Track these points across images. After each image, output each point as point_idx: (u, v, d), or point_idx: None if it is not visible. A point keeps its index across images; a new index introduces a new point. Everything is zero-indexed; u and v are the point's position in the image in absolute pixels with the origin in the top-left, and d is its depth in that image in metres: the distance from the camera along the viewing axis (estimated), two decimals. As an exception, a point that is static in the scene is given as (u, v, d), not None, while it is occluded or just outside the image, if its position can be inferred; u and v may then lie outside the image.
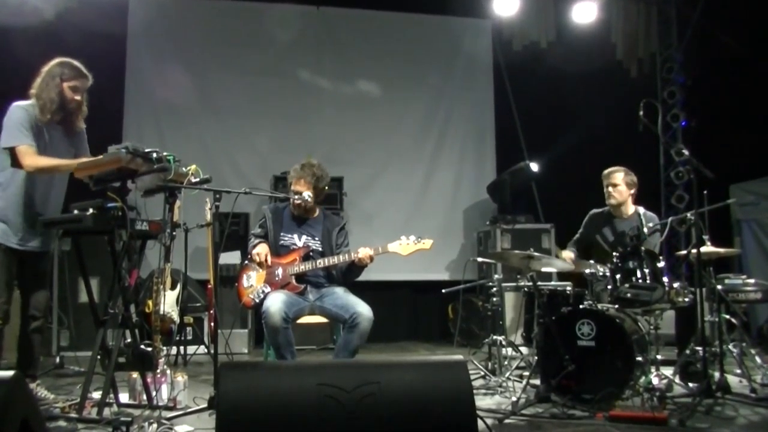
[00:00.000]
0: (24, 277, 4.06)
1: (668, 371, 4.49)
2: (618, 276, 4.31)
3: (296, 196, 4.48)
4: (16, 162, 3.87)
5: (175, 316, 5.59)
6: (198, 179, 3.81)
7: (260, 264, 4.39)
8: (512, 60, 8.62)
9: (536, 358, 4.45)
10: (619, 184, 5.09)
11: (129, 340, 3.93)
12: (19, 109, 3.91)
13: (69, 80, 3.96)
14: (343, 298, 4.32)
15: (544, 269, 5.00)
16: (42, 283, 4.13)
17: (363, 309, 4.14)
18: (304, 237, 4.54)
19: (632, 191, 5.13)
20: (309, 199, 4.46)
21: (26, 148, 3.83)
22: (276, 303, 4.05)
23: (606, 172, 5.18)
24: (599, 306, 4.41)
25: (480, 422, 2.61)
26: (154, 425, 3.22)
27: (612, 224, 5.14)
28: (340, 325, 4.27)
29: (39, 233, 3.97)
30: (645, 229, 4.62)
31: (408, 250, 4.34)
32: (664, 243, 5.17)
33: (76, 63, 4.02)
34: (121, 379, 4.04)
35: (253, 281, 4.43)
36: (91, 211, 3.54)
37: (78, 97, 4.01)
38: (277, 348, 4.06)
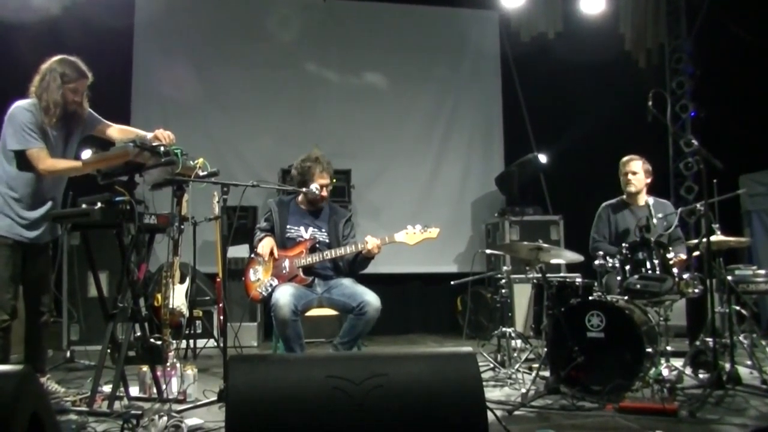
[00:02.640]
0: (28, 271, 4.04)
1: (678, 362, 4.47)
2: (627, 267, 4.29)
3: (325, 192, 4.52)
4: (24, 165, 3.83)
5: (185, 310, 5.61)
6: (205, 172, 3.81)
7: (265, 259, 4.40)
8: (520, 51, 8.58)
9: (545, 349, 4.44)
10: (638, 171, 5.11)
11: (138, 333, 3.93)
12: (23, 110, 3.84)
13: (70, 83, 3.89)
14: (350, 288, 4.32)
15: (552, 261, 4.99)
16: (45, 276, 4.13)
17: (371, 298, 4.15)
18: (310, 229, 4.54)
19: (648, 180, 5.14)
20: (317, 191, 4.46)
21: (38, 152, 3.80)
22: (285, 296, 4.05)
23: (624, 159, 5.19)
24: (608, 297, 4.40)
25: (489, 414, 2.60)
26: (164, 418, 3.22)
27: (632, 213, 5.12)
28: (348, 315, 4.27)
29: (47, 226, 3.97)
30: (654, 220, 4.60)
31: (415, 239, 4.33)
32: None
33: (77, 62, 3.94)
34: (131, 372, 4.06)
35: (260, 275, 4.43)
36: (99, 205, 3.54)
37: (78, 99, 3.95)
38: (286, 341, 4.06)
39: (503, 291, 5.42)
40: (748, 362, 4.62)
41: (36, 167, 3.82)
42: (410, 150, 8.35)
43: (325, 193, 4.55)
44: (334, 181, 4.71)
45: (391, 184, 8.22)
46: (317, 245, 4.47)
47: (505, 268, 5.61)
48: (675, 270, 4.22)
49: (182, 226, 4.35)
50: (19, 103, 3.88)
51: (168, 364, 4.10)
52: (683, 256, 4.67)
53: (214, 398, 3.86)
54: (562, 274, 6.62)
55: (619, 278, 4.34)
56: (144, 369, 4.09)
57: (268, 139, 7.93)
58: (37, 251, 4.04)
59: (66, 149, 4.04)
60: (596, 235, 5.21)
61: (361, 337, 4.27)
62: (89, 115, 4.16)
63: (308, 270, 4.40)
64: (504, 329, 5.14)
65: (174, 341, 4.68)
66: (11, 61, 6.40)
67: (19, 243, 3.90)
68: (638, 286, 4.25)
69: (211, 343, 6.33)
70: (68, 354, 5.57)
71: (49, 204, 3.98)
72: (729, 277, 4.65)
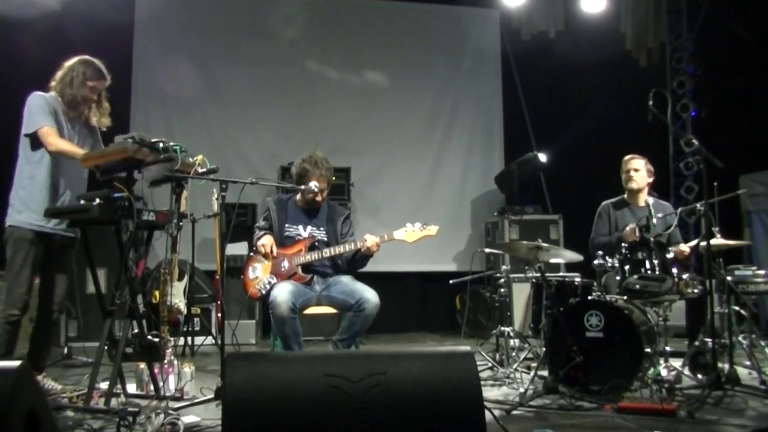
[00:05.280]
0: (48, 267, 4.07)
1: (677, 363, 4.47)
2: (627, 267, 4.28)
3: (318, 192, 4.47)
4: (38, 147, 3.91)
5: (183, 307, 5.60)
6: (205, 169, 3.79)
7: (265, 255, 4.39)
8: (520, 50, 8.58)
9: (544, 349, 4.44)
10: (640, 169, 5.12)
11: (136, 330, 3.93)
12: (39, 96, 3.96)
13: (90, 80, 4.03)
14: (349, 285, 4.32)
15: (552, 260, 4.98)
16: (63, 275, 4.15)
17: (370, 295, 4.15)
18: (309, 227, 4.53)
19: (650, 180, 5.15)
20: (316, 189, 4.45)
21: (47, 129, 3.88)
22: (283, 293, 4.04)
23: (627, 158, 5.20)
24: (607, 297, 4.39)
25: (487, 413, 2.60)
26: (161, 416, 3.21)
27: (632, 212, 5.12)
28: (346, 312, 4.26)
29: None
30: (654, 220, 4.60)
31: (414, 237, 4.33)
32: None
33: (99, 64, 4.10)
34: (128, 369, 4.06)
35: (258, 272, 4.42)
36: (97, 201, 3.54)
37: (93, 97, 4.09)
38: (284, 338, 4.05)
39: (502, 290, 5.40)
40: (747, 363, 4.61)
41: (44, 144, 3.88)
42: (410, 148, 8.34)
43: (319, 198, 4.51)
44: (334, 179, 4.69)
45: (390, 182, 8.22)
46: (316, 243, 4.47)
47: (504, 267, 5.60)
48: (674, 270, 4.21)
49: (181, 223, 4.34)
50: (36, 92, 3.99)
51: (165, 361, 4.09)
52: (684, 248, 4.68)
53: (212, 396, 3.84)
54: (561, 274, 6.62)
55: (618, 278, 4.34)
56: (141, 366, 4.08)
57: (268, 136, 7.94)
58: (60, 247, 4.07)
59: (89, 145, 4.13)
60: (595, 234, 5.22)
61: (360, 334, 4.27)
62: (96, 131, 4.24)
63: (307, 268, 4.39)
64: (502, 328, 5.13)
65: (172, 338, 4.68)
66: (12, 56, 6.41)
67: (40, 236, 3.92)
68: (637, 286, 4.24)
69: (209, 340, 6.32)
70: (66, 350, 5.57)
71: (68, 194, 4.02)
72: (729, 278, 4.65)
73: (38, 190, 3.94)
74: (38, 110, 3.90)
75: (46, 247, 3.98)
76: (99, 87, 4.10)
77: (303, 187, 4.45)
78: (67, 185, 4.03)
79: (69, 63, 4.06)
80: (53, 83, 4.04)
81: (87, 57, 4.09)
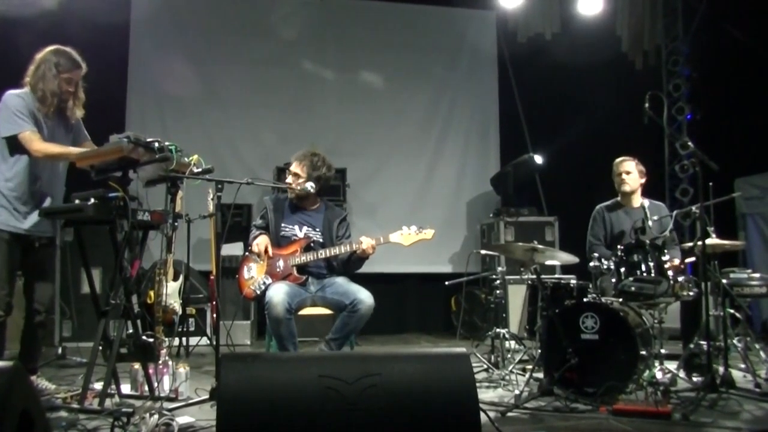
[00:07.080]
0: (28, 268, 4.03)
1: (672, 365, 4.47)
2: (622, 269, 4.29)
3: (291, 179, 4.47)
4: (17, 150, 3.82)
5: (178, 307, 5.58)
6: (200, 169, 3.78)
7: (260, 255, 4.38)
8: (517, 52, 8.58)
9: (539, 351, 4.44)
10: (632, 171, 5.13)
11: (131, 330, 3.92)
12: (14, 96, 3.84)
13: (64, 72, 3.89)
14: (344, 286, 4.32)
15: (547, 262, 4.98)
16: (45, 275, 4.12)
17: (364, 296, 4.15)
18: (305, 228, 4.52)
19: (642, 180, 5.16)
20: (312, 189, 4.43)
21: (30, 134, 3.78)
22: (279, 294, 4.03)
23: (618, 160, 5.21)
24: (603, 299, 4.39)
25: (482, 415, 2.59)
26: (156, 416, 3.20)
27: (627, 214, 5.12)
28: (341, 313, 4.25)
29: (45, 220, 3.93)
30: (650, 223, 4.60)
31: (410, 240, 4.32)
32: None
33: (71, 52, 3.94)
34: (122, 369, 4.04)
35: (253, 273, 4.41)
36: (92, 200, 3.53)
37: (71, 89, 3.96)
38: (280, 339, 4.05)
39: (498, 292, 5.41)
40: (742, 365, 4.62)
41: (29, 150, 3.79)
42: (406, 149, 8.34)
43: (290, 179, 4.50)
44: (329, 176, 4.68)
45: (386, 183, 8.22)
46: (311, 244, 4.45)
47: (499, 268, 5.59)
48: (670, 273, 4.22)
49: (176, 223, 4.33)
50: (10, 91, 3.87)
51: (160, 361, 4.08)
52: (677, 261, 4.66)
53: (206, 397, 3.83)
54: (556, 276, 6.61)
55: (614, 280, 4.34)
56: (136, 366, 4.07)
57: (264, 136, 7.93)
58: (38, 247, 4.01)
59: (64, 140, 4.02)
60: (592, 238, 5.21)
61: (353, 334, 4.29)
62: (77, 122, 4.15)
63: (302, 269, 4.38)
64: (498, 330, 5.13)
65: (166, 339, 4.66)
66: (6, 54, 6.37)
67: (16, 237, 3.87)
68: (633, 288, 4.24)
69: (204, 340, 6.31)
70: (60, 350, 5.55)
71: (47, 200, 3.96)
72: (724, 280, 4.65)
73: (14, 192, 3.85)
74: (16, 112, 3.78)
75: (23, 249, 3.92)
76: (74, 78, 3.95)
77: (299, 188, 4.44)
78: (45, 185, 3.95)
79: (40, 55, 3.90)
80: (27, 78, 3.89)
81: (59, 47, 3.93)
